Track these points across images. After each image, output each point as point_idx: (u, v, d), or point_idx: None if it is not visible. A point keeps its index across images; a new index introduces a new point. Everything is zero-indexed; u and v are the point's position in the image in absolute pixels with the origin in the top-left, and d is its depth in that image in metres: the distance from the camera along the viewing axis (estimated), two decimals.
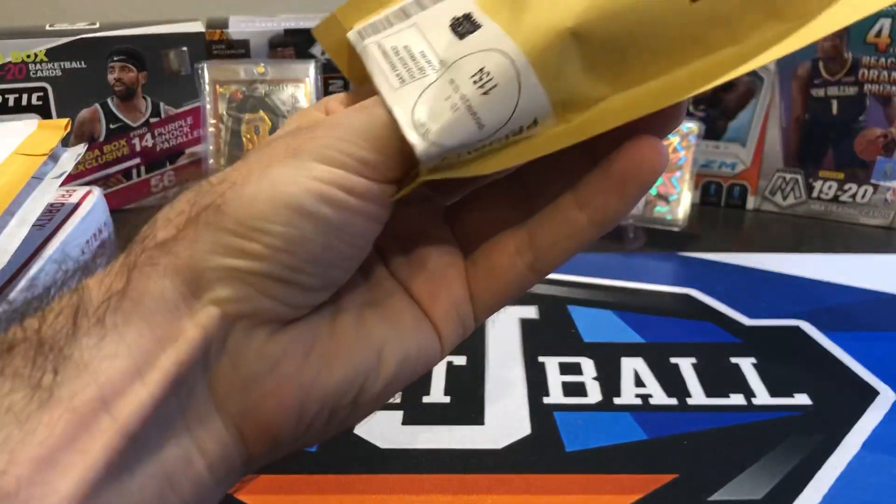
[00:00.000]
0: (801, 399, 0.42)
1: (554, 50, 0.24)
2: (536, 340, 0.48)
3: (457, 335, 0.28)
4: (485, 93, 0.24)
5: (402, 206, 0.26)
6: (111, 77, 0.64)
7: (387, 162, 0.24)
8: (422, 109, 0.25)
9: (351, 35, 0.28)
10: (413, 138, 0.24)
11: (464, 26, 0.26)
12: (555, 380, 0.44)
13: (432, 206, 0.29)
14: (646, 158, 0.25)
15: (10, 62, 0.62)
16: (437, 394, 0.43)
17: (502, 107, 0.24)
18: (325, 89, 0.68)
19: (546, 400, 0.42)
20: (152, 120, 0.66)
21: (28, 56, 0.62)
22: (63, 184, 0.48)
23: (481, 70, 0.24)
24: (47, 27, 0.65)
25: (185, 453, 0.23)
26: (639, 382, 0.44)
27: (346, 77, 0.29)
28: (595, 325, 0.50)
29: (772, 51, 0.24)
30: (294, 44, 0.67)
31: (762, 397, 0.43)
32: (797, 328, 0.49)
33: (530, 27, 0.25)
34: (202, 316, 0.23)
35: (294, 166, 0.23)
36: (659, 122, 0.25)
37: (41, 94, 0.63)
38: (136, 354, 0.21)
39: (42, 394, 0.20)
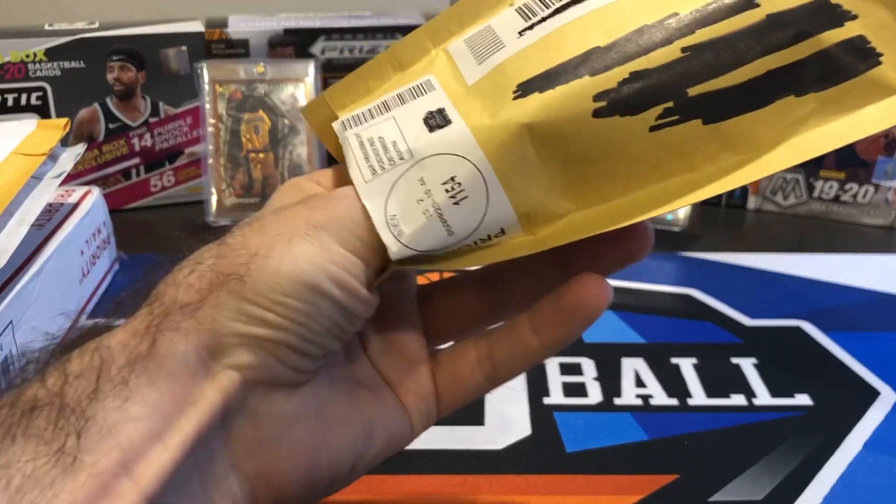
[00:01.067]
0: (802, 399, 0.42)
1: (512, 148, 0.26)
2: None
3: (422, 425, 0.30)
4: (455, 203, 0.26)
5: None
6: (110, 77, 0.64)
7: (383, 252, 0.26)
8: (394, 206, 0.26)
9: (336, 125, 0.30)
10: (387, 239, 0.26)
11: (435, 119, 0.27)
12: (555, 380, 0.44)
13: (406, 287, 0.31)
14: (591, 296, 0.28)
15: (9, 62, 0.62)
16: None
17: (472, 217, 0.26)
18: (324, 88, 0.68)
19: (546, 400, 0.42)
20: (151, 120, 0.66)
21: (27, 56, 0.62)
22: (62, 183, 0.48)
23: (453, 179, 0.26)
24: (46, 27, 0.65)
25: None
26: (639, 383, 0.44)
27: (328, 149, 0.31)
28: (595, 325, 0.49)
29: (726, 180, 0.26)
30: (293, 43, 0.67)
31: (763, 398, 0.42)
32: (798, 328, 0.49)
33: (489, 125, 0.26)
34: (222, 379, 0.24)
35: (316, 245, 0.25)
36: (627, 247, 0.28)
37: (40, 93, 0.63)
38: (157, 417, 0.22)
39: (65, 459, 0.20)
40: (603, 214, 0.26)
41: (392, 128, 0.28)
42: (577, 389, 0.43)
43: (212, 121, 0.61)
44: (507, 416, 0.41)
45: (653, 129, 0.26)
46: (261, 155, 0.61)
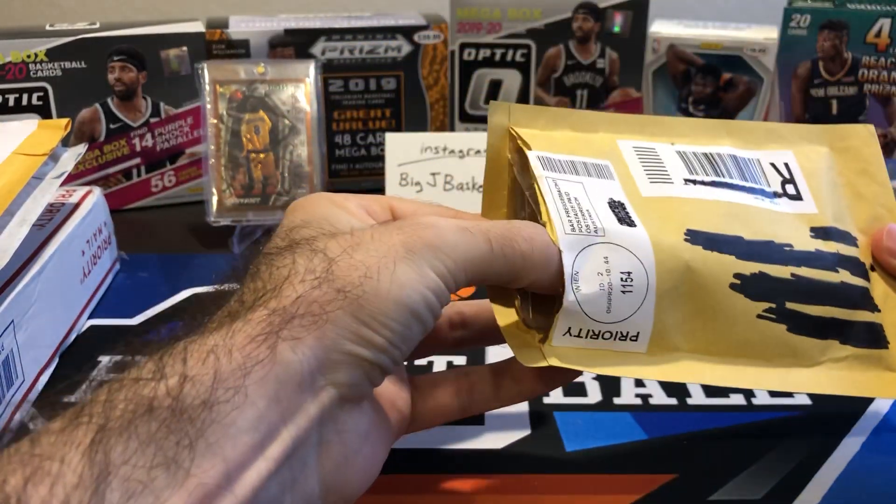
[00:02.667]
0: (801, 399, 0.42)
1: (673, 276, 0.32)
2: None
3: (396, 438, 0.33)
4: (623, 291, 0.31)
5: None
6: (111, 77, 0.64)
7: (465, 281, 0.29)
8: (580, 265, 0.31)
9: (531, 156, 0.34)
10: (568, 287, 0.31)
11: (619, 212, 0.33)
12: None
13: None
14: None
15: (10, 62, 0.62)
16: None
17: (628, 309, 0.32)
18: (325, 89, 0.68)
19: (546, 400, 0.42)
20: (152, 120, 0.66)
21: (28, 56, 0.62)
22: (63, 184, 0.48)
23: (628, 273, 0.31)
24: (47, 27, 0.65)
25: None
26: (639, 382, 0.44)
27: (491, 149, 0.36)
28: None
29: (785, 380, 0.35)
30: (294, 44, 0.67)
31: (762, 397, 0.43)
32: None
33: (665, 249, 0.32)
34: (323, 395, 0.25)
35: (415, 271, 0.27)
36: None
37: (41, 93, 0.63)
38: (263, 428, 0.23)
39: (179, 472, 0.22)
40: (696, 370, 0.34)
41: (582, 194, 0.33)
42: (576, 389, 0.43)
43: (212, 121, 0.61)
44: (507, 416, 0.41)
45: (758, 316, 0.34)
46: (261, 155, 0.61)
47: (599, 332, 0.32)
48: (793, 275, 0.35)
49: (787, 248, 0.35)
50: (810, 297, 0.35)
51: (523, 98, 0.75)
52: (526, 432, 0.40)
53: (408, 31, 0.68)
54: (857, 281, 0.36)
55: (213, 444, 0.22)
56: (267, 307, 0.25)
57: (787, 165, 0.38)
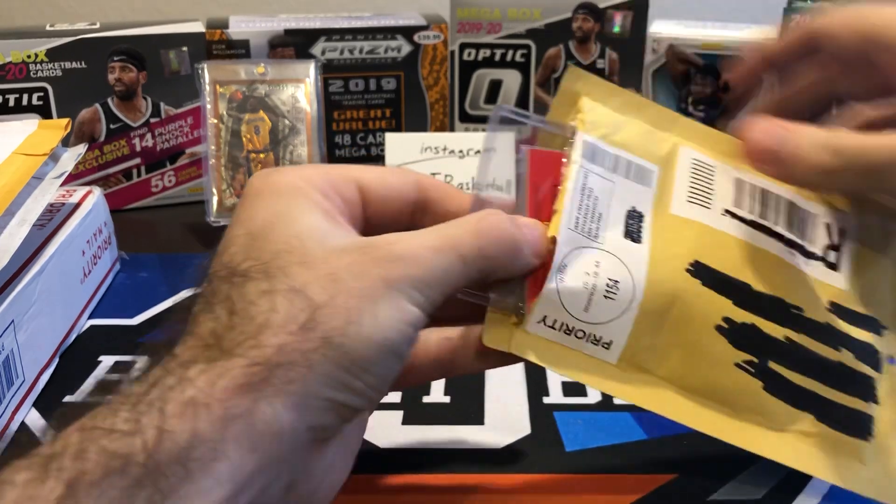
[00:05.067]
0: None
1: (662, 301, 0.32)
2: None
3: (371, 412, 0.34)
4: (606, 296, 0.32)
5: None
6: (111, 77, 0.64)
7: (443, 301, 0.28)
8: (569, 260, 0.31)
9: (578, 138, 0.34)
10: (551, 279, 0.31)
11: (633, 225, 0.33)
12: (554, 379, 0.44)
13: None
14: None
15: (10, 62, 0.62)
16: (437, 393, 0.43)
17: (606, 314, 0.32)
18: (325, 89, 0.68)
19: (546, 400, 0.42)
20: (152, 120, 0.66)
21: (28, 56, 0.62)
22: (63, 184, 0.48)
23: (616, 283, 0.32)
24: (47, 27, 0.65)
25: None
26: None
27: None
28: None
29: (749, 437, 0.33)
30: (294, 44, 0.67)
31: None
32: None
33: (661, 273, 0.32)
34: (298, 440, 0.25)
35: (395, 309, 0.27)
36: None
37: (41, 94, 0.63)
38: (238, 479, 0.24)
39: None
40: (660, 398, 0.33)
41: (606, 194, 0.33)
42: (576, 389, 0.43)
43: (212, 121, 0.61)
44: (507, 416, 0.41)
45: (737, 365, 0.33)
46: (261, 155, 0.62)
47: (573, 328, 0.32)
48: (787, 338, 0.33)
49: (794, 311, 0.34)
50: (798, 364, 0.34)
51: (523, 98, 0.75)
52: (526, 432, 0.40)
53: (408, 32, 0.68)
54: (861, 367, 0.34)
55: (184, 499, 0.22)
56: (247, 356, 0.25)
57: (842, 232, 0.36)
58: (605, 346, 0.32)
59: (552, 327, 0.32)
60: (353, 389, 0.26)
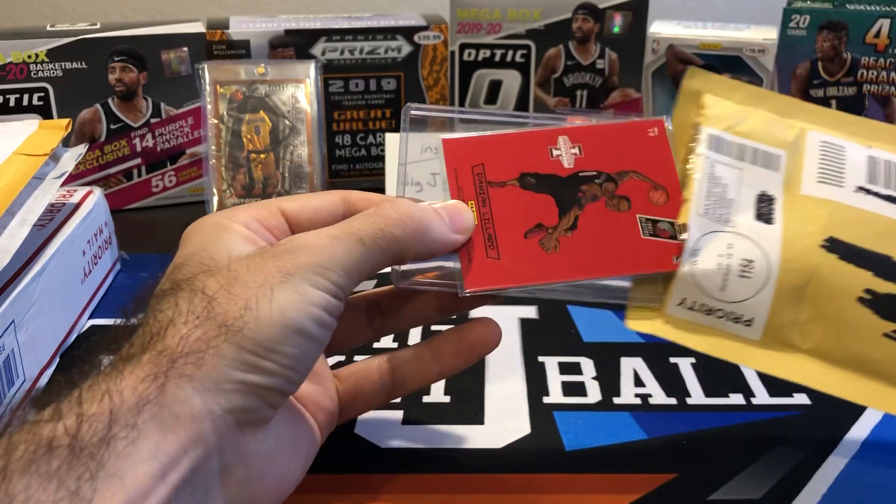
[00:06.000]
0: (801, 399, 0.42)
1: (798, 278, 0.33)
2: (536, 340, 0.48)
3: (324, 437, 0.35)
4: (741, 276, 0.33)
5: None
6: (112, 77, 0.64)
7: (352, 285, 0.30)
8: (702, 244, 0.33)
9: (703, 132, 0.35)
10: (685, 263, 0.33)
11: (764, 208, 0.34)
12: (554, 379, 0.44)
13: None
14: (491, 336, 0.36)
15: (10, 62, 0.62)
16: (437, 393, 0.43)
17: (742, 292, 0.33)
18: (325, 89, 0.68)
19: (546, 399, 0.43)
20: (153, 120, 0.66)
21: (29, 56, 0.62)
22: (64, 184, 0.48)
23: (751, 262, 0.33)
24: (48, 27, 0.65)
25: None
26: (638, 382, 0.44)
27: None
28: (595, 324, 0.50)
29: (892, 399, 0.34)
30: (294, 44, 0.67)
31: (761, 397, 0.43)
32: None
33: (796, 251, 0.33)
34: (220, 423, 0.26)
35: (293, 292, 0.28)
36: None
37: (42, 94, 0.63)
38: (162, 458, 0.25)
39: (79, 501, 0.23)
40: (809, 371, 0.33)
41: (735, 181, 0.34)
42: (576, 389, 0.43)
43: (213, 121, 0.61)
44: (507, 416, 0.41)
45: (885, 335, 0.33)
46: (262, 155, 0.62)
47: (712, 308, 0.33)
48: None
49: None
50: None
51: (523, 98, 0.76)
52: (526, 432, 0.40)
53: (408, 32, 0.69)
54: None
55: (113, 476, 0.23)
56: (153, 350, 0.26)
57: None
58: (747, 322, 0.33)
59: (692, 308, 0.33)
60: (263, 370, 0.27)
